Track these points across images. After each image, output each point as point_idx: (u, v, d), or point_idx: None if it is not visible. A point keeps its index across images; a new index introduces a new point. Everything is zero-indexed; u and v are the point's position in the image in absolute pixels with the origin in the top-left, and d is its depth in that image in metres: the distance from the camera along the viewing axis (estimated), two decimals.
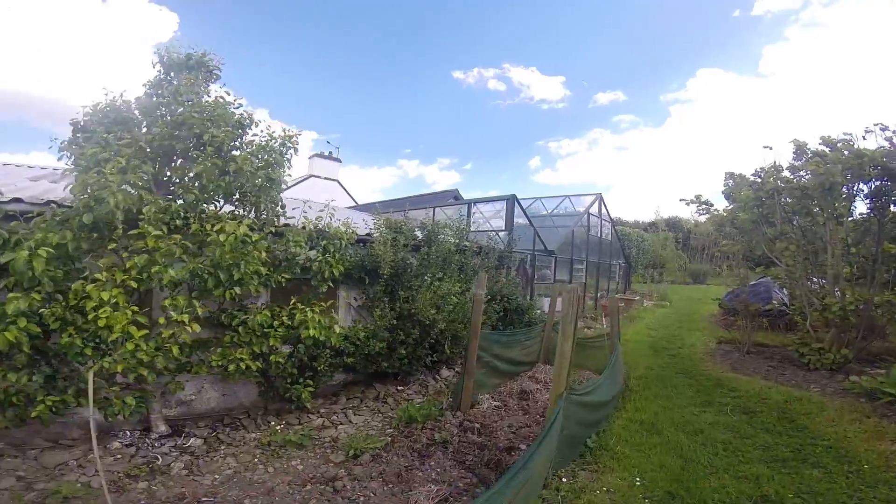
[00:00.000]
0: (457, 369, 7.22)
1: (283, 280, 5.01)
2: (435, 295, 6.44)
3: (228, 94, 5.01)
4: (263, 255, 4.59)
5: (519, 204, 10.31)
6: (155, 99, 4.78)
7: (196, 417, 4.98)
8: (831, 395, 5.95)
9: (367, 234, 6.75)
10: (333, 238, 5.69)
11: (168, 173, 4.75)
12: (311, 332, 4.83)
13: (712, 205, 8.87)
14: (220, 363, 4.55)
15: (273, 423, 4.99)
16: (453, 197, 15.55)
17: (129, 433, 4.40)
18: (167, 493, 3.51)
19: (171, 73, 4.94)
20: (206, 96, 4.92)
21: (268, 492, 3.60)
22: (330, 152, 21.52)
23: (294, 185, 19.52)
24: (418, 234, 7.34)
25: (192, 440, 4.44)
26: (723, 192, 8.72)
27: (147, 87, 4.87)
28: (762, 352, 8.54)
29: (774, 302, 10.60)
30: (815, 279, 8.11)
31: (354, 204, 20.00)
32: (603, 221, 16.30)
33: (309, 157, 21.05)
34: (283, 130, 5.20)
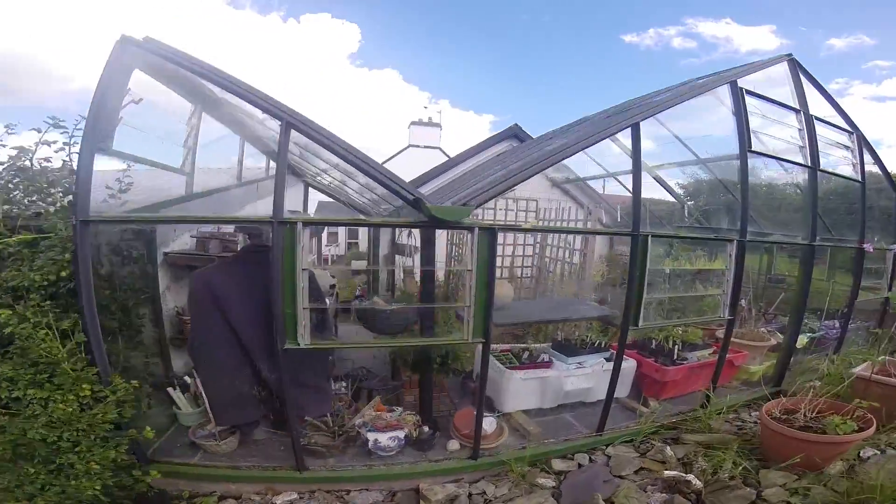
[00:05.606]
0: None
1: None
2: None
3: None
4: None
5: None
6: None
7: None
8: None
9: None
10: None
11: None
12: None
13: None
14: None
15: None
16: (514, 135, 10.62)
17: None
18: None
19: None
20: None
21: None
22: (430, 118, 19.17)
23: (391, 158, 17.44)
24: None
25: None
26: None
27: None
28: None
29: None
30: None
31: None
32: (812, 125, 4.59)
33: (408, 127, 18.93)
34: None
